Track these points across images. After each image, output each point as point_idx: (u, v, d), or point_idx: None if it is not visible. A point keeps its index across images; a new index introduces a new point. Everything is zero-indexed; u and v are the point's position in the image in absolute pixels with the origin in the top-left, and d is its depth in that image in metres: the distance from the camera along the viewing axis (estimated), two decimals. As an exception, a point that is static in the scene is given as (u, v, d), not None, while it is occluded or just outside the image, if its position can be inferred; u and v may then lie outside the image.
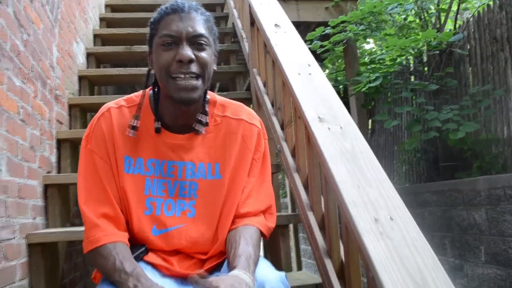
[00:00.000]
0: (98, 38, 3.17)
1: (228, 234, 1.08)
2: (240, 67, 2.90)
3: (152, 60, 1.09)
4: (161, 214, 1.08)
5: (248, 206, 1.10)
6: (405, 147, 3.38)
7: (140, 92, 1.15)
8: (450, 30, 3.47)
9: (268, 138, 1.22)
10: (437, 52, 3.33)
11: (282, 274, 1.00)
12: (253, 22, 2.29)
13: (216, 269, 1.08)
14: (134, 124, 1.07)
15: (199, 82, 1.04)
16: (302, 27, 3.77)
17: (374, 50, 4.59)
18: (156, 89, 1.12)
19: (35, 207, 1.70)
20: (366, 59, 4.25)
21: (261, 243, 1.63)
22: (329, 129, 1.25)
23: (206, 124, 1.11)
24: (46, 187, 1.84)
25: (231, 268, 0.95)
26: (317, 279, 1.55)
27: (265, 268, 1.00)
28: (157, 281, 0.96)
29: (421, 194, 3.02)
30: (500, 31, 2.98)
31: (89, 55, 2.88)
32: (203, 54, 1.04)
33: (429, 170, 3.61)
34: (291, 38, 1.79)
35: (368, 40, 4.68)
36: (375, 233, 0.93)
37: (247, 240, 1.02)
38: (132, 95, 1.15)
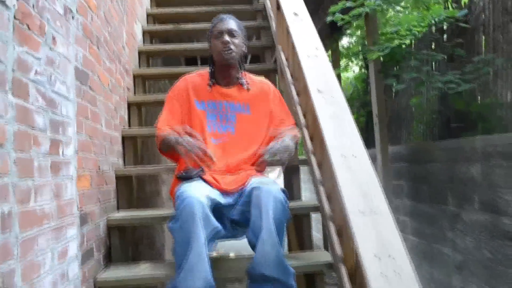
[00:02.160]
0: (150, 17, 3.75)
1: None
2: (269, 42, 3.43)
3: (211, 48, 2.01)
4: (216, 132, 1.88)
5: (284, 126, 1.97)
6: (411, 103, 3.82)
7: (207, 68, 2.06)
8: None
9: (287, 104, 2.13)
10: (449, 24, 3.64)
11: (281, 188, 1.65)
12: (279, 7, 2.80)
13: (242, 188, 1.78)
14: (207, 84, 1.99)
15: (233, 54, 1.94)
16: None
17: (393, 20, 4.92)
18: (213, 66, 2.02)
19: (118, 151, 2.38)
20: (386, 29, 4.61)
21: (287, 227, 2.38)
22: (324, 98, 1.81)
23: (244, 84, 2.01)
24: (123, 138, 2.51)
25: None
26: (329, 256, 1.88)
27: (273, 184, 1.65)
28: (208, 190, 1.63)
29: (430, 151, 3.39)
30: (510, 2, 3.10)
31: (144, 33, 3.49)
32: (235, 40, 1.96)
33: (442, 130, 3.90)
34: (305, 25, 2.32)
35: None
36: (343, 164, 1.51)
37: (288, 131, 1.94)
38: (201, 70, 2.12)
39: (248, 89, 2.01)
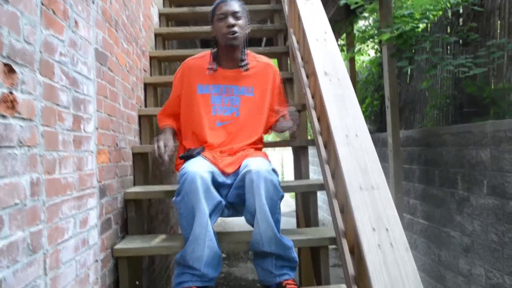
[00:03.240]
0: (167, 0, 3.85)
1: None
2: (282, 25, 3.49)
3: (214, 30, 2.01)
4: (220, 114, 1.96)
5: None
6: (422, 86, 3.85)
7: (209, 50, 2.09)
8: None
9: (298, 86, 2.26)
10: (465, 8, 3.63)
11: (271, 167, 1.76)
12: (291, -9, 2.86)
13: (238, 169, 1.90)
14: (210, 67, 2.03)
15: (238, 35, 1.97)
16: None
17: (407, 4, 4.90)
18: (215, 48, 2.05)
19: (135, 129, 2.49)
20: (399, 12, 4.60)
21: (296, 201, 2.61)
22: (330, 80, 1.89)
23: (246, 65, 2.04)
24: (140, 117, 2.62)
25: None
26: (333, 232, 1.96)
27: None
28: (208, 166, 1.74)
29: (441, 135, 3.41)
30: None
31: (160, 15, 3.58)
32: (239, 21, 1.99)
33: (455, 114, 3.93)
34: (315, 10, 2.38)
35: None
36: (345, 143, 1.60)
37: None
38: (203, 52, 2.11)
39: (246, 70, 2.05)
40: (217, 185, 1.79)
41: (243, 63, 2.04)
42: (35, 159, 1.20)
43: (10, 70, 1.08)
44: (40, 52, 1.25)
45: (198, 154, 1.88)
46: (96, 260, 1.70)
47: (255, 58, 2.11)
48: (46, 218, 1.26)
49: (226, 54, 2.04)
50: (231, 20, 1.95)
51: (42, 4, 1.27)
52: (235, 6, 1.99)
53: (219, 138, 1.98)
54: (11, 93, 1.08)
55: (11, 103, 1.08)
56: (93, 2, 1.76)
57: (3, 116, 1.04)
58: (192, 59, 2.10)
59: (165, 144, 1.88)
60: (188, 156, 1.86)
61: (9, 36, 1.08)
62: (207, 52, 2.11)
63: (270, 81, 2.09)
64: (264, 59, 2.15)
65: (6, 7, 1.07)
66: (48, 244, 1.27)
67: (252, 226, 1.77)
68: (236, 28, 1.96)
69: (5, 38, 1.06)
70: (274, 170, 1.76)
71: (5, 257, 1.03)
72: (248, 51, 2.11)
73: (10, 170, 1.07)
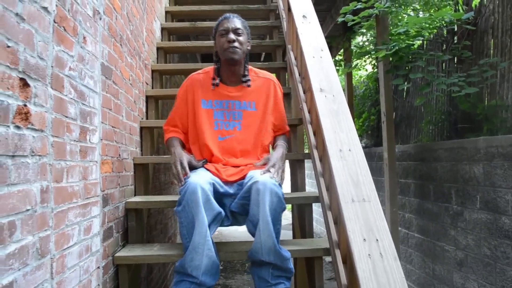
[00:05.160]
0: (169, 14, 3.94)
1: (274, 138, 2.20)
2: (280, 41, 3.58)
3: (216, 45, 2.11)
4: (222, 129, 2.03)
5: (282, 128, 2.23)
6: (416, 103, 3.93)
7: (212, 66, 2.17)
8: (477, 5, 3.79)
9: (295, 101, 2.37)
10: (453, 28, 3.76)
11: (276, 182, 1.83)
12: (290, 9, 2.96)
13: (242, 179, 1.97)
14: (214, 83, 2.12)
15: (238, 51, 2.06)
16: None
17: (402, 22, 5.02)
18: (218, 63, 2.13)
19: (136, 141, 2.57)
20: (395, 30, 4.71)
21: (292, 213, 2.66)
22: (325, 96, 1.97)
23: (248, 81, 2.13)
24: (141, 129, 2.70)
25: (274, 148, 2.10)
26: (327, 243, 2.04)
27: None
28: (210, 178, 1.82)
29: (435, 150, 3.46)
30: None
31: (163, 30, 3.68)
32: (240, 38, 2.08)
33: (450, 130, 3.99)
34: (313, 28, 2.48)
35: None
36: (338, 157, 1.67)
37: (282, 139, 2.16)
38: (207, 68, 2.22)
39: (248, 86, 2.13)
40: (219, 195, 1.87)
41: (244, 79, 2.14)
42: (45, 168, 1.27)
43: (25, 84, 1.15)
44: (52, 67, 1.33)
45: (201, 166, 1.96)
46: (98, 267, 1.76)
47: (256, 74, 2.21)
48: (54, 224, 1.33)
49: (228, 69, 2.13)
50: (232, 36, 2.05)
51: (54, 21, 1.35)
52: (237, 23, 2.09)
53: (221, 153, 2.05)
54: (25, 105, 1.15)
55: (25, 115, 1.15)
56: (100, 18, 1.85)
57: (18, 127, 1.12)
58: (196, 74, 2.19)
59: (182, 164, 1.94)
60: (191, 167, 1.94)
61: (24, 52, 1.16)
62: (210, 68, 2.20)
63: (271, 94, 2.18)
64: (265, 74, 2.24)
65: (22, 25, 1.15)
66: (55, 249, 1.33)
67: (253, 235, 1.83)
68: (236, 44, 2.05)
69: (21, 54, 1.14)
70: (279, 183, 1.84)
71: (17, 260, 1.10)
72: (250, 67, 2.20)
73: (23, 178, 1.14)
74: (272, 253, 1.80)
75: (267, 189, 1.75)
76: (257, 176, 1.82)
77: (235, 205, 1.90)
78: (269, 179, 1.80)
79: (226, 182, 1.95)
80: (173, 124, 2.19)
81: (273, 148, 2.19)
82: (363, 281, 1.26)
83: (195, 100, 2.11)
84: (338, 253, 1.70)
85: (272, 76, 2.27)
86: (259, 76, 2.21)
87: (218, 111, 2.09)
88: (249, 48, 2.16)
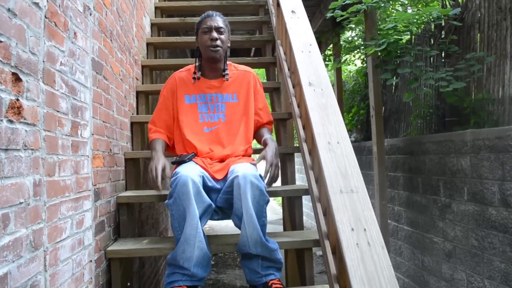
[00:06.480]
0: (158, 10, 3.94)
1: (258, 130, 2.26)
2: (270, 36, 3.60)
3: (198, 41, 2.18)
4: (208, 121, 2.08)
5: (264, 118, 2.28)
6: (404, 99, 3.98)
7: (193, 64, 2.24)
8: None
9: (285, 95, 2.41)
10: (440, 23, 3.81)
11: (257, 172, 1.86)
12: (279, 4, 2.98)
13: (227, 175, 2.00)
14: (195, 76, 2.18)
15: (220, 49, 2.14)
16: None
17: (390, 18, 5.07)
18: (199, 58, 2.21)
19: (127, 136, 2.58)
20: (383, 25, 4.76)
21: (282, 206, 2.60)
22: (314, 90, 2.00)
23: (227, 75, 2.20)
24: (132, 124, 2.71)
25: (263, 143, 2.16)
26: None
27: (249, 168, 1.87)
28: (199, 171, 1.84)
29: (424, 143, 3.50)
30: (504, 1, 3.18)
31: (152, 25, 3.68)
32: (222, 36, 2.16)
33: (438, 124, 4.05)
34: (301, 23, 2.50)
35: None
36: (327, 149, 1.70)
37: (268, 132, 2.19)
38: (188, 66, 2.29)
39: (226, 80, 2.20)
40: (207, 189, 1.89)
41: (224, 73, 2.21)
42: (37, 161, 1.29)
43: (17, 79, 1.17)
44: (43, 62, 1.34)
45: (190, 159, 1.98)
46: (91, 260, 1.78)
47: (235, 68, 2.29)
48: (47, 217, 1.35)
49: (209, 64, 2.21)
50: (214, 34, 2.13)
51: (45, 17, 1.36)
52: (220, 22, 2.17)
53: (208, 143, 2.09)
54: (17, 100, 1.17)
55: (17, 109, 1.17)
56: (90, 14, 1.86)
57: (11, 121, 1.13)
58: (178, 72, 2.27)
59: (163, 167, 2.01)
60: (180, 161, 1.96)
61: (16, 47, 1.17)
62: (192, 66, 2.28)
63: (251, 85, 2.26)
64: (243, 67, 2.33)
65: (14, 20, 1.17)
66: (48, 242, 1.35)
67: (240, 229, 1.86)
68: (218, 42, 2.14)
69: (13, 49, 1.15)
70: (260, 176, 1.86)
71: (11, 252, 1.12)
72: (229, 62, 2.29)
73: (16, 171, 1.15)
74: (259, 246, 1.83)
75: (248, 182, 1.78)
76: (238, 169, 1.84)
77: (220, 200, 1.92)
78: (249, 172, 1.81)
79: (213, 178, 1.97)
80: (156, 123, 2.23)
81: (261, 142, 2.22)
82: (351, 269, 1.30)
83: (178, 97, 2.18)
84: (327, 243, 1.73)
85: (251, 70, 2.35)
86: (238, 69, 2.29)
87: (202, 105, 2.17)
88: (229, 45, 2.26)
